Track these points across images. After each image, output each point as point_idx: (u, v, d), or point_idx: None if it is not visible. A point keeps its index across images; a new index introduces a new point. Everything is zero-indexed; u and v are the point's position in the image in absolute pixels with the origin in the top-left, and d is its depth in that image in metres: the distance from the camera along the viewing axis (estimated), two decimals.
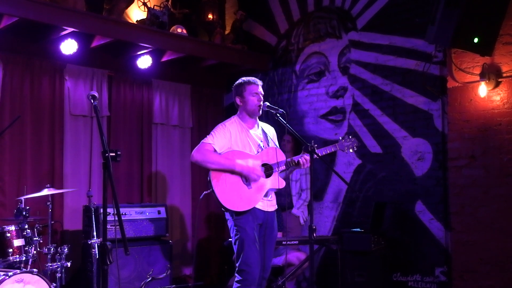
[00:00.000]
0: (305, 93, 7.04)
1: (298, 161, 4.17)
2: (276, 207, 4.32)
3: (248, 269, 3.96)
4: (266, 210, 4.16)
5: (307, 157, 4.12)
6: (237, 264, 4.03)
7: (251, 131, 4.26)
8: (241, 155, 4.12)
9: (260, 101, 4.22)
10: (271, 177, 4.18)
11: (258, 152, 4.20)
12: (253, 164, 4.08)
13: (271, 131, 4.42)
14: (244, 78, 4.29)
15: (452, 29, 4.92)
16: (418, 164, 5.94)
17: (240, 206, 4.03)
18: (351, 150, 4.45)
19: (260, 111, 4.25)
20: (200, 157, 4.07)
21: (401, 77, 6.11)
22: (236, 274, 4.04)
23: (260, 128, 4.34)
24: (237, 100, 4.27)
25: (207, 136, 4.18)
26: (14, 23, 5.44)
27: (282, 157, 4.25)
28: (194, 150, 4.15)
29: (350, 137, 4.48)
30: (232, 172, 4.04)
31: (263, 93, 4.29)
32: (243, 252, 3.99)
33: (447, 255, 5.64)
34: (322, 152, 4.25)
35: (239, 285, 3.97)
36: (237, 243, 4.04)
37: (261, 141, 4.26)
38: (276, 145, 4.35)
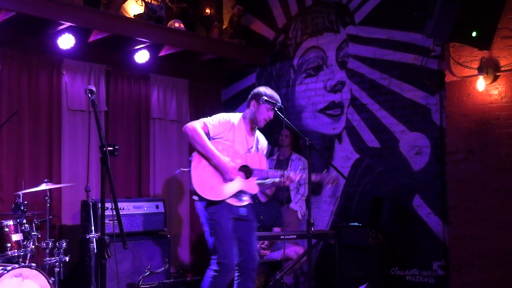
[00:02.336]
0: (303, 88, 7.03)
1: (278, 180, 4.38)
2: (250, 201, 4.40)
3: (225, 261, 4.10)
4: (237, 205, 4.26)
5: (293, 177, 4.31)
6: (213, 256, 4.14)
7: (247, 136, 4.38)
8: (229, 149, 4.22)
9: (270, 119, 4.35)
10: (247, 180, 4.28)
11: (245, 153, 4.31)
12: (233, 165, 4.16)
13: (264, 143, 4.55)
14: (270, 91, 4.36)
15: (450, 23, 4.91)
16: (416, 159, 5.94)
17: (208, 195, 4.11)
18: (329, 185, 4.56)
19: (263, 126, 4.39)
20: (191, 132, 4.16)
21: (399, 71, 6.11)
22: (212, 264, 4.14)
23: (255, 137, 4.47)
24: (252, 103, 4.36)
25: (209, 118, 4.28)
26: (11, 17, 5.42)
27: (264, 165, 4.39)
28: (190, 122, 4.25)
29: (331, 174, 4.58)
30: (209, 161, 4.12)
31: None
32: (220, 245, 4.11)
33: (445, 249, 5.65)
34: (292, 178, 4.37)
35: (216, 274, 4.10)
36: (213, 237, 4.14)
37: (252, 148, 4.38)
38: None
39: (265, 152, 4.56)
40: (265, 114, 4.31)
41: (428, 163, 5.85)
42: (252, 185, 4.31)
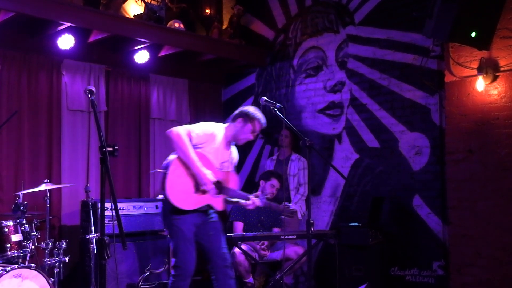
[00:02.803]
0: (303, 88, 7.03)
1: (243, 201, 4.45)
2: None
3: (183, 265, 4.18)
4: (201, 212, 4.31)
5: (256, 203, 4.40)
6: (173, 259, 4.23)
7: (224, 150, 4.43)
8: (206, 160, 4.24)
9: (249, 140, 4.48)
10: (217, 196, 4.32)
11: (219, 168, 4.36)
12: (211, 178, 4.19)
13: (235, 158, 4.63)
14: (259, 115, 4.42)
15: (450, 23, 4.91)
16: (416, 159, 5.94)
17: (178, 202, 4.13)
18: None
19: (241, 144, 4.53)
20: (175, 137, 4.16)
21: (399, 71, 6.11)
22: (171, 269, 4.25)
23: (230, 151, 4.54)
24: (238, 120, 4.42)
25: (194, 125, 4.29)
26: (11, 18, 5.42)
27: (236, 186, 4.46)
28: (177, 127, 4.23)
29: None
30: (188, 168, 4.14)
31: (258, 133, 4.52)
32: (180, 251, 4.19)
33: (445, 249, 5.65)
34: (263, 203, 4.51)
35: (174, 279, 4.19)
36: (174, 241, 4.23)
37: (225, 162, 4.43)
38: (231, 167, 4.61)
39: (235, 165, 4.64)
40: (248, 135, 4.42)
41: (428, 163, 5.85)
42: (219, 202, 4.36)
